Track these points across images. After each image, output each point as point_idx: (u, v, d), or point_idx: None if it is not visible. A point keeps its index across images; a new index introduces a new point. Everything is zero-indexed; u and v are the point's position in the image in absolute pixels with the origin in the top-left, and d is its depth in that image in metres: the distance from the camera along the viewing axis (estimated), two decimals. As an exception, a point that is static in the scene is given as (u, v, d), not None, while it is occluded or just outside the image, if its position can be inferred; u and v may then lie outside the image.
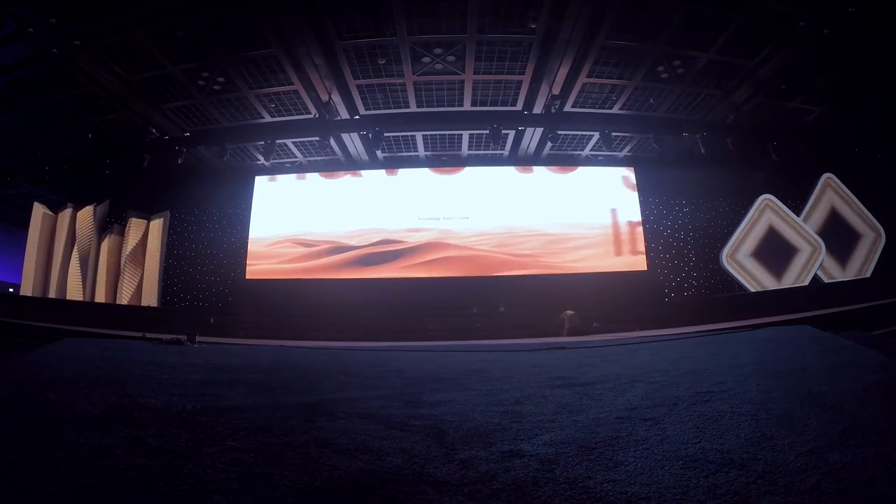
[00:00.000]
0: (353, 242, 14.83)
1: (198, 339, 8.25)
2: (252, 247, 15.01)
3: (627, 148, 15.29)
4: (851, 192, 15.94)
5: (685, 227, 15.91)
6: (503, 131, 13.21)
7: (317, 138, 13.38)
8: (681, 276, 15.51)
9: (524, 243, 14.95)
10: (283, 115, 12.68)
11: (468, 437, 2.67)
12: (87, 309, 13.58)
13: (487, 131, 12.83)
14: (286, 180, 15.55)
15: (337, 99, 11.89)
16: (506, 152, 15.09)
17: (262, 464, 2.27)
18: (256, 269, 14.76)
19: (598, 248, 15.07)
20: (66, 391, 3.55)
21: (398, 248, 14.74)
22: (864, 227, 15.72)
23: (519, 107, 12.43)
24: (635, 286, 14.55)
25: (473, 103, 12.29)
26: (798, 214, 15.39)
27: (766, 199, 15.06)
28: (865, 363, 3.87)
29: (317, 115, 12.39)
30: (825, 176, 15.66)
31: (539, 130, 13.71)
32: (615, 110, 12.77)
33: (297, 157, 15.12)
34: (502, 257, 14.75)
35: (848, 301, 10.64)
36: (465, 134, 13.87)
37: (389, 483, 2.10)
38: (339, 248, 14.77)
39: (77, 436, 2.54)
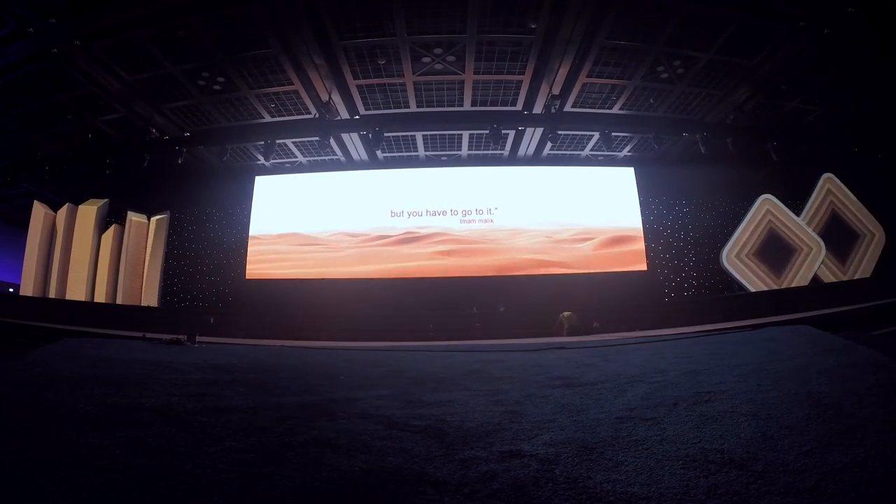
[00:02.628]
0: (383, 234, 14.99)
1: (198, 339, 8.25)
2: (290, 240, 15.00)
3: (627, 148, 15.29)
4: (852, 192, 15.94)
5: (685, 226, 15.92)
6: (503, 131, 13.21)
7: (317, 138, 13.38)
8: (681, 276, 15.51)
9: (522, 239, 14.95)
10: (283, 115, 12.69)
11: (468, 437, 2.67)
12: (87, 309, 13.59)
13: (487, 131, 12.83)
14: (297, 179, 15.55)
15: (337, 99, 11.90)
16: (506, 152, 15.09)
17: (261, 464, 2.27)
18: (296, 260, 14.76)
19: (599, 249, 15.07)
20: (66, 391, 3.55)
21: (415, 236, 14.91)
22: (863, 226, 15.72)
23: (519, 107, 12.43)
24: (635, 286, 14.54)
25: (474, 103, 12.28)
26: (798, 214, 15.40)
27: (766, 198, 15.06)
28: (865, 363, 3.87)
29: (317, 115, 12.40)
30: (825, 176, 15.66)
31: (539, 130, 13.71)
32: (615, 110, 12.77)
33: (297, 157, 15.12)
34: (503, 254, 14.76)
35: (848, 301, 10.64)
36: (465, 134, 13.87)
37: (390, 483, 2.10)
38: (380, 238, 14.95)
39: (77, 436, 2.54)
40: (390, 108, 12.40)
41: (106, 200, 15.68)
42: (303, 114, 12.57)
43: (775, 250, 14.74)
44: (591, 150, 15.06)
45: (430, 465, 2.29)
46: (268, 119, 12.80)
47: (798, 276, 14.60)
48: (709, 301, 13.86)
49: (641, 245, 15.30)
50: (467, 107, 12.35)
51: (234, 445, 2.50)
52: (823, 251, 14.88)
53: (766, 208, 14.96)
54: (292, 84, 11.33)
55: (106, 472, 2.09)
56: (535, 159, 15.36)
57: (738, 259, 14.56)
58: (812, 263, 14.76)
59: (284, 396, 3.76)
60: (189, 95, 11.86)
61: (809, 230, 15.04)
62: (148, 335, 9.11)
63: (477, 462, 2.31)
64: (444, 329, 11.44)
